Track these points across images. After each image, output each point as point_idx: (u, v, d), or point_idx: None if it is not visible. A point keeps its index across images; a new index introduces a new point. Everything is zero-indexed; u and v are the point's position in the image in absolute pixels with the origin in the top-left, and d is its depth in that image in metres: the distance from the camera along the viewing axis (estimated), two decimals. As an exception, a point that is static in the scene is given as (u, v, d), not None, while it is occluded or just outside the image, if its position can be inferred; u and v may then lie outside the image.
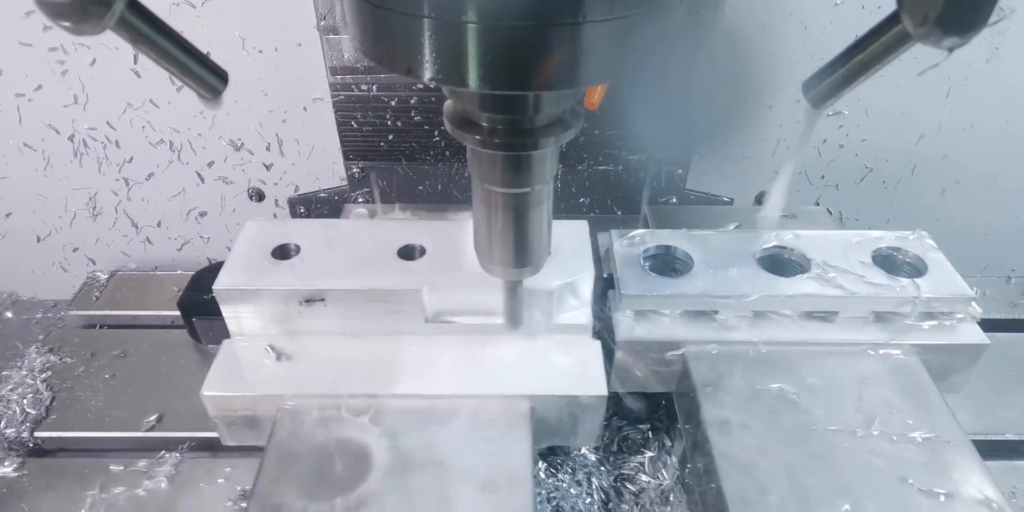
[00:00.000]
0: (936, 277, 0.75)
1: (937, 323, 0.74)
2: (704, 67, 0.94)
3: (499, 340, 0.76)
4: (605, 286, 0.79)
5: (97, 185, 1.14)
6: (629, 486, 0.75)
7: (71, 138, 1.08)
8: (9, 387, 0.87)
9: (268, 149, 1.10)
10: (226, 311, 0.74)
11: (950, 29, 0.35)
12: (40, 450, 0.83)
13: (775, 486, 0.61)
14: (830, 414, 0.67)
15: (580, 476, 0.75)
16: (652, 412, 0.81)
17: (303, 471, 0.65)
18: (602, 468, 0.76)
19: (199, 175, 1.13)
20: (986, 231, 1.21)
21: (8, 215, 1.17)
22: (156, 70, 0.49)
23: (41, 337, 0.98)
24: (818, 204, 1.19)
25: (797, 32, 0.98)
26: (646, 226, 1.01)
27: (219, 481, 0.77)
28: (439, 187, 1.04)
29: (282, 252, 0.77)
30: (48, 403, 0.85)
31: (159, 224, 1.19)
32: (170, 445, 0.81)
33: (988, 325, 0.75)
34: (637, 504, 0.73)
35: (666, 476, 0.74)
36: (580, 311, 0.76)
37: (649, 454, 0.77)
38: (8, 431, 0.82)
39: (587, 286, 0.75)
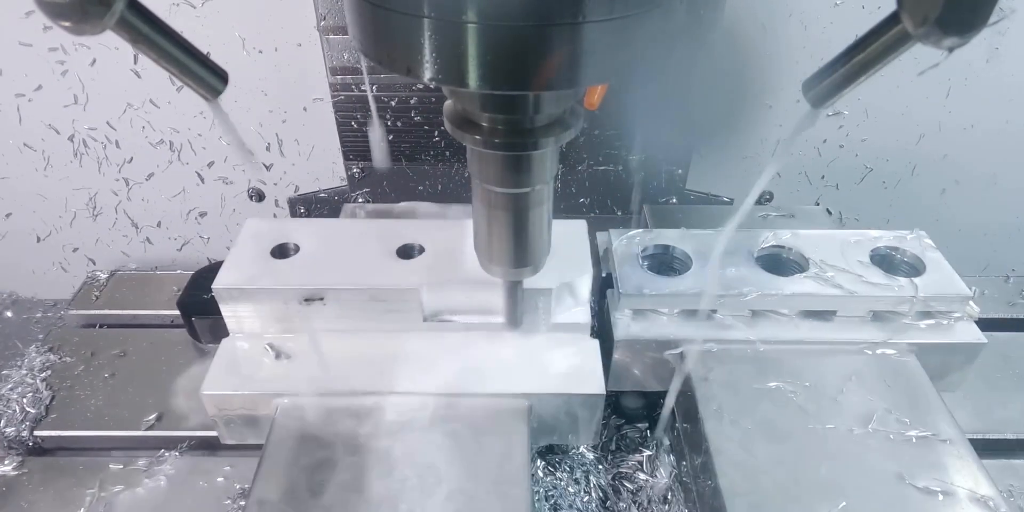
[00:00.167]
0: (934, 276, 0.75)
1: (935, 322, 0.75)
2: (704, 67, 0.94)
3: (497, 339, 0.76)
4: (603, 285, 0.79)
5: (97, 185, 1.14)
6: (627, 484, 0.75)
7: (71, 138, 1.08)
8: (9, 386, 0.87)
9: (268, 149, 1.10)
10: (225, 310, 0.75)
11: (950, 29, 0.35)
12: (40, 449, 0.83)
13: (772, 484, 0.61)
14: (827, 412, 0.68)
15: (578, 474, 0.75)
16: (650, 410, 0.81)
17: (301, 470, 0.65)
18: (600, 466, 0.76)
19: (199, 175, 1.13)
20: (986, 231, 1.21)
21: (8, 215, 1.17)
22: (156, 70, 0.49)
23: (41, 336, 0.98)
24: (818, 204, 1.19)
25: (797, 32, 0.98)
26: (644, 226, 1.01)
27: (218, 480, 0.77)
28: (439, 187, 1.04)
29: (281, 251, 0.77)
30: (48, 402, 0.85)
31: (159, 224, 1.19)
32: (169, 444, 0.81)
33: (986, 324, 0.76)
34: (635, 502, 0.73)
35: (664, 474, 0.74)
36: (578, 310, 0.76)
37: (647, 452, 0.77)
38: (8, 430, 0.82)
39: (586, 285, 0.75)
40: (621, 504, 0.73)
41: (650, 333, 0.74)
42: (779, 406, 0.68)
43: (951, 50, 0.37)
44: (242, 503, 0.73)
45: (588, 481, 0.74)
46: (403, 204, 1.03)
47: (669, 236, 0.81)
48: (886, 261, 0.79)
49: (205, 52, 0.45)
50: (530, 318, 0.75)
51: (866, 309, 0.75)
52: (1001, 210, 1.19)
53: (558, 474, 0.75)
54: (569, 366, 0.73)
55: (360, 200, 1.06)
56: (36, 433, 0.82)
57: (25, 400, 0.85)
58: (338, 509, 0.62)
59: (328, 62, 0.92)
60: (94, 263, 1.23)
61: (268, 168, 1.12)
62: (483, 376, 0.72)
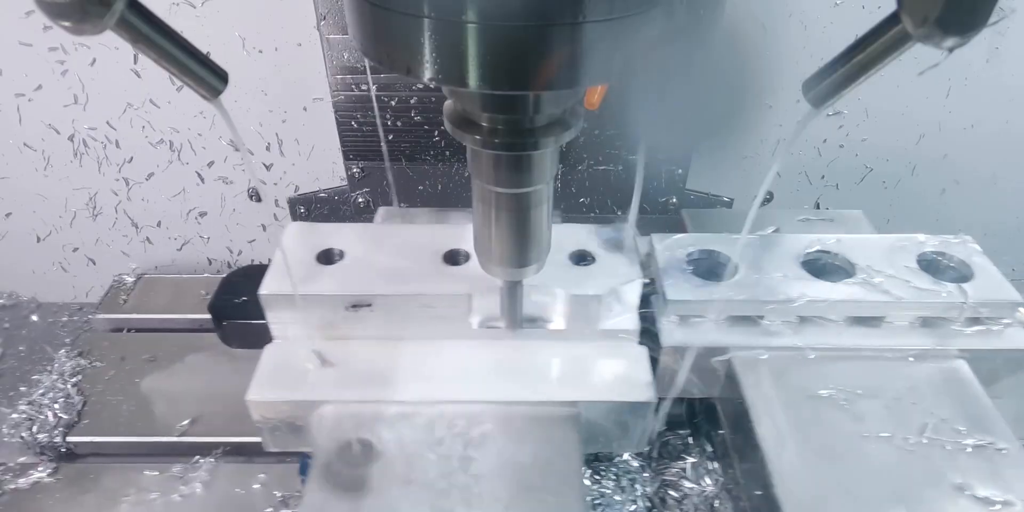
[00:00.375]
0: (983, 282, 0.74)
1: (984, 328, 0.74)
2: (704, 67, 0.94)
3: (545, 346, 0.75)
4: (646, 290, 0.78)
5: (97, 185, 1.14)
6: (672, 493, 0.74)
7: (71, 138, 1.08)
8: (40, 391, 0.87)
9: (268, 149, 1.10)
10: (270, 316, 0.74)
11: (950, 29, 0.35)
12: (72, 455, 0.83)
13: (829, 493, 0.60)
14: (880, 421, 0.66)
15: (624, 482, 0.74)
16: (691, 418, 0.81)
17: (350, 478, 0.64)
18: (645, 474, 0.75)
19: (199, 175, 1.13)
20: (986, 231, 1.21)
21: (8, 215, 1.17)
22: (156, 70, 0.49)
23: (68, 341, 0.98)
24: (818, 205, 1.19)
25: (797, 32, 0.98)
26: (677, 230, 1.00)
27: (255, 487, 0.76)
28: (439, 187, 1.04)
29: (327, 257, 0.76)
30: (80, 407, 0.85)
31: (159, 224, 1.19)
32: (204, 450, 0.80)
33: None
34: (681, 510, 0.73)
35: (709, 482, 0.74)
36: (626, 316, 0.75)
37: (691, 460, 0.76)
38: (40, 436, 0.81)
39: (634, 292, 0.74)
40: None
41: (697, 340, 0.73)
42: (832, 414, 0.67)
43: (951, 50, 0.37)
44: (284, 511, 0.73)
45: (635, 489, 0.74)
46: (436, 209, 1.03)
47: (713, 240, 0.80)
48: (933, 266, 0.78)
49: (205, 52, 0.45)
50: (577, 325, 0.74)
51: (915, 315, 0.74)
52: (1001, 210, 1.19)
53: (604, 482, 0.74)
54: (617, 373, 0.72)
55: (360, 200, 1.05)
56: (69, 439, 0.81)
57: (57, 405, 0.85)
58: None
59: (328, 62, 0.92)
60: (94, 263, 1.23)
61: (268, 168, 1.12)
62: (531, 384, 0.72)
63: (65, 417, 0.83)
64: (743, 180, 1.14)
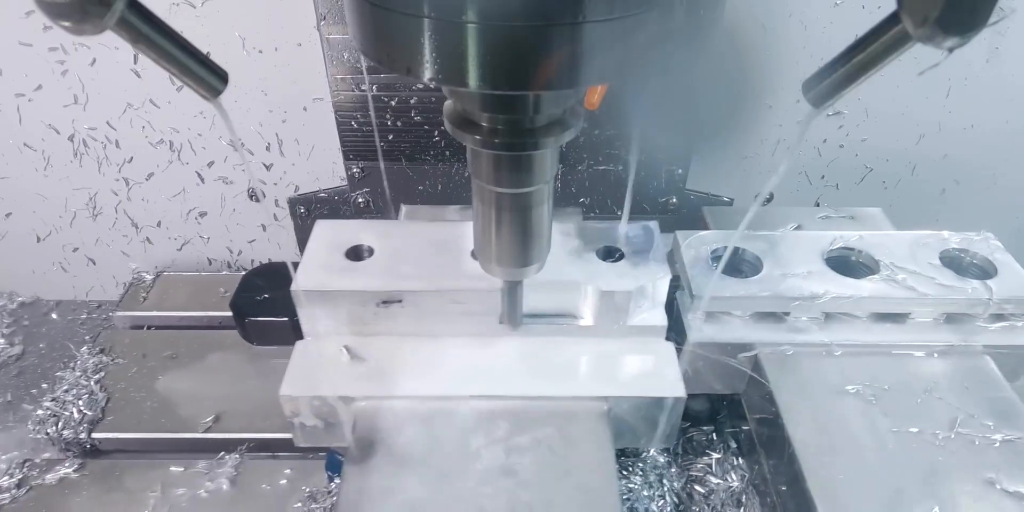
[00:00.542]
0: (1006, 278, 0.75)
1: (1008, 324, 0.74)
2: (704, 67, 0.94)
3: (573, 342, 0.76)
4: (670, 287, 0.79)
5: (97, 185, 1.14)
6: (698, 488, 0.75)
7: (71, 138, 1.08)
8: (64, 388, 0.87)
9: (268, 149, 1.10)
10: (302, 312, 0.74)
11: (950, 29, 0.35)
12: (96, 451, 0.83)
13: (861, 488, 0.61)
14: (908, 416, 0.67)
15: (651, 478, 0.75)
16: (714, 414, 0.82)
17: (383, 473, 0.65)
18: (672, 469, 0.76)
19: (199, 175, 1.13)
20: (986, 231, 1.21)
21: (8, 215, 1.17)
22: (156, 70, 0.49)
23: (88, 338, 0.98)
24: (818, 204, 1.19)
25: (797, 32, 0.98)
26: (703, 228, 1.00)
27: (282, 482, 0.76)
28: (439, 187, 1.04)
29: (355, 253, 0.77)
30: (103, 404, 0.85)
31: (159, 224, 1.19)
32: (228, 446, 0.80)
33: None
34: (708, 505, 0.73)
35: (735, 478, 0.74)
36: (654, 312, 0.76)
37: (716, 455, 0.77)
38: (65, 432, 0.82)
39: (662, 288, 0.75)
40: (694, 508, 0.73)
41: (724, 336, 0.74)
42: (860, 409, 0.68)
43: (951, 50, 0.37)
44: (313, 505, 0.73)
45: (662, 484, 0.74)
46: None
47: (737, 238, 0.80)
48: (956, 263, 0.78)
49: (205, 52, 0.45)
50: (607, 321, 0.75)
51: (940, 312, 0.74)
52: (1001, 210, 1.19)
53: (632, 478, 0.75)
54: (646, 369, 0.73)
55: (360, 200, 1.05)
56: (94, 435, 0.82)
57: (81, 402, 0.85)
58: (420, 510, 0.62)
59: (328, 62, 0.92)
60: (94, 263, 1.23)
61: (268, 168, 1.12)
62: (561, 379, 0.72)
63: (89, 413, 0.84)
64: (743, 180, 1.14)
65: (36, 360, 1.03)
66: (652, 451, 0.77)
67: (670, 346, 0.75)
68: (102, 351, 0.92)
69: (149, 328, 0.98)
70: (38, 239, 1.20)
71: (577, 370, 0.73)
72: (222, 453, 0.80)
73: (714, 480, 0.75)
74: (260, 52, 0.99)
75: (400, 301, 0.73)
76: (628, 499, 0.73)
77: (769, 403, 0.69)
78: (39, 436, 0.83)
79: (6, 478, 0.78)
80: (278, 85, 1.02)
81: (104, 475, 0.78)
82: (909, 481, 0.62)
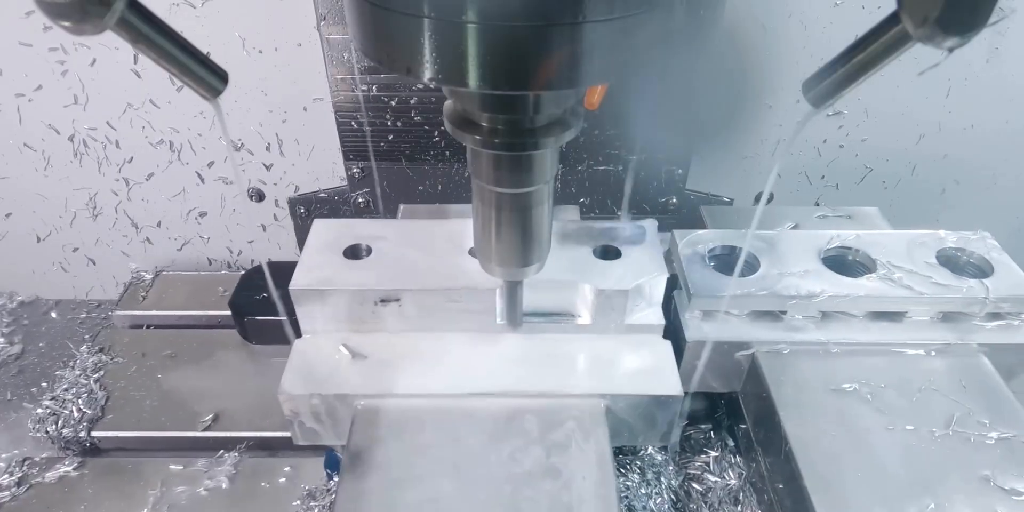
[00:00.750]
0: (1003, 277, 0.75)
1: (1004, 323, 0.75)
2: (704, 67, 0.94)
3: (572, 340, 0.76)
4: (668, 286, 0.79)
5: (97, 185, 1.14)
6: (696, 486, 0.75)
7: (71, 138, 1.08)
8: (64, 387, 0.87)
9: (268, 149, 1.10)
10: (300, 311, 0.74)
11: (950, 29, 0.35)
12: (96, 449, 0.83)
13: (857, 486, 0.61)
14: (905, 414, 0.67)
15: (649, 476, 0.75)
16: (712, 412, 0.82)
17: (383, 471, 0.65)
18: (670, 467, 0.76)
19: (199, 175, 1.13)
20: (986, 231, 1.21)
21: (8, 215, 1.17)
22: (156, 70, 0.49)
23: (88, 337, 0.98)
24: (818, 204, 1.19)
25: (797, 32, 0.98)
26: (701, 227, 1.00)
27: (281, 480, 0.77)
28: (439, 187, 1.04)
29: (354, 252, 0.77)
30: (103, 403, 0.86)
31: (159, 224, 1.19)
32: (227, 445, 0.81)
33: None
34: (705, 503, 0.73)
35: (732, 475, 0.74)
36: (651, 311, 0.76)
37: (713, 454, 0.77)
38: (65, 431, 0.82)
39: (659, 287, 0.75)
40: (692, 505, 0.74)
41: (721, 334, 0.74)
42: (856, 407, 0.68)
43: (951, 50, 0.37)
44: (312, 503, 0.73)
45: (660, 482, 0.74)
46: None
47: (734, 236, 0.81)
48: (952, 262, 0.79)
49: (205, 52, 0.45)
50: (603, 319, 0.75)
51: (936, 310, 0.75)
52: (1001, 210, 1.19)
53: (630, 476, 0.75)
54: (644, 367, 0.73)
55: (360, 200, 1.05)
56: (93, 434, 0.82)
57: (80, 401, 0.85)
58: (421, 509, 0.62)
59: (328, 62, 0.92)
60: (94, 263, 1.23)
61: (268, 168, 1.12)
62: (559, 376, 0.72)
63: (89, 412, 0.84)
64: (743, 180, 1.14)
65: (36, 359, 1.03)
66: (650, 449, 0.77)
67: (667, 344, 0.75)
68: (101, 350, 0.92)
69: (148, 327, 0.98)
70: (38, 239, 1.20)
71: (575, 368, 0.73)
72: (221, 451, 0.80)
73: (712, 478, 0.75)
74: (260, 52, 0.99)
75: (398, 300, 0.73)
76: (626, 497, 0.73)
77: (766, 401, 0.70)
78: (39, 434, 0.83)
79: (6, 476, 0.78)
80: (278, 85, 1.02)
81: (103, 473, 0.79)
82: (905, 478, 0.62)
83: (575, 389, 0.71)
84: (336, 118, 0.96)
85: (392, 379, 0.72)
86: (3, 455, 0.83)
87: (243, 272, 0.94)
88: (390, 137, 0.98)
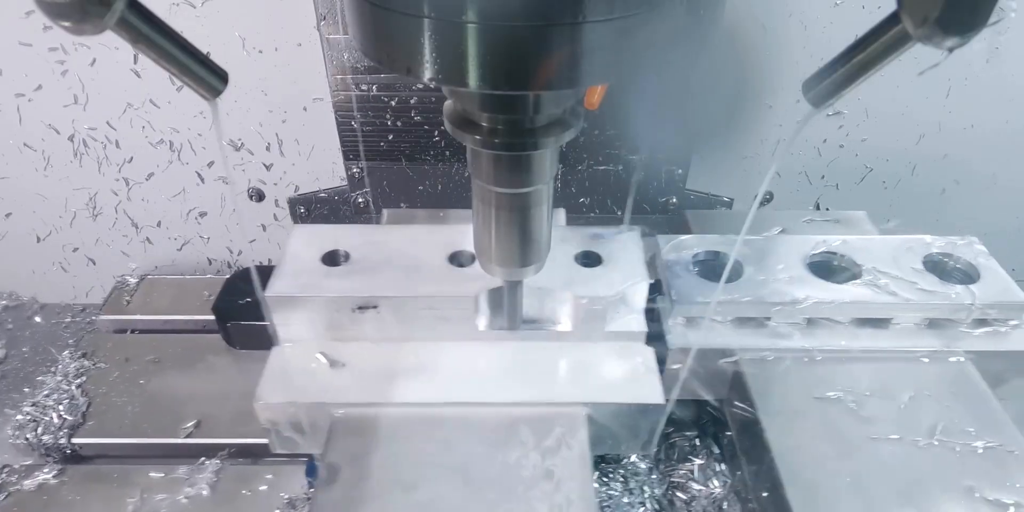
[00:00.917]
0: (989, 283, 0.74)
1: (991, 330, 0.74)
2: (704, 67, 0.94)
3: (551, 347, 0.75)
4: (652, 292, 0.78)
5: (97, 185, 1.14)
6: (680, 494, 0.74)
7: (71, 138, 1.08)
8: (45, 393, 0.86)
9: (268, 149, 1.10)
10: (277, 318, 0.74)
11: (950, 29, 0.35)
12: (77, 456, 0.82)
13: (840, 495, 0.60)
14: (889, 422, 0.66)
15: (632, 484, 0.74)
16: (697, 419, 0.81)
17: (359, 480, 0.64)
18: (653, 476, 0.75)
19: (199, 175, 1.13)
20: (986, 231, 1.21)
21: (8, 215, 1.17)
22: (156, 70, 0.49)
23: (72, 341, 0.97)
24: (818, 205, 1.19)
25: (797, 32, 0.98)
26: (686, 231, 1.00)
27: (262, 488, 0.76)
28: (439, 187, 1.04)
29: (332, 259, 0.77)
30: (84, 409, 0.84)
31: (159, 224, 1.19)
32: (209, 452, 0.80)
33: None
34: (689, 511, 0.73)
35: (717, 484, 0.74)
36: (633, 318, 0.75)
37: (698, 461, 0.76)
38: (45, 437, 0.81)
39: (641, 294, 0.74)
40: None
41: (705, 341, 0.73)
42: (840, 416, 0.67)
43: (951, 50, 0.37)
44: (291, 511, 0.73)
45: (643, 491, 0.74)
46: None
47: (718, 242, 0.80)
48: (939, 268, 0.77)
49: (205, 52, 0.45)
50: (585, 326, 0.74)
51: (922, 317, 0.74)
52: (1001, 210, 1.19)
53: (612, 484, 0.74)
54: (625, 375, 0.72)
55: (360, 200, 1.05)
56: (74, 440, 0.81)
57: (62, 407, 0.84)
58: None
59: (328, 62, 0.92)
60: (94, 263, 1.23)
61: (268, 168, 1.12)
62: (539, 384, 0.72)
63: (70, 419, 0.83)
64: (743, 180, 1.14)
65: (19, 364, 1.01)
66: (633, 457, 0.76)
67: (650, 351, 0.74)
68: (84, 355, 0.91)
69: (133, 332, 0.97)
70: (38, 239, 1.20)
71: (556, 376, 0.73)
72: (203, 458, 0.79)
73: (696, 486, 0.75)
74: (260, 52, 0.99)
75: (376, 307, 0.73)
76: (608, 506, 0.72)
77: (749, 409, 0.69)
78: (19, 441, 0.82)
79: (-16, 484, 0.77)
80: (278, 85, 1.02)
81: (83, 481, 0.77)
82: (889, 488, 0.61)
83: (556, 398, 0.70)
84: (336, 118, 0.96)
85: (370, 388, 0.71)
86: (-18, 463, 0.82)
87: (226, 277, 0.94)
88: (390, 137, 0.98)
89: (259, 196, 1.15)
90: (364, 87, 0.93)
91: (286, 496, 0.75)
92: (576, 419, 0.69)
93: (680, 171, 1.03)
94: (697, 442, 0.79)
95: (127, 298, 1.01)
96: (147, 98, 1.04)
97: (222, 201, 1.16)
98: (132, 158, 1.11)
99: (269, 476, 0.77)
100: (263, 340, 0.75)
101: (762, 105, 1.07)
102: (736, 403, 0.72)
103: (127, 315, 0.99)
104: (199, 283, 1.03)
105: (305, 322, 0.74)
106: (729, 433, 0.75)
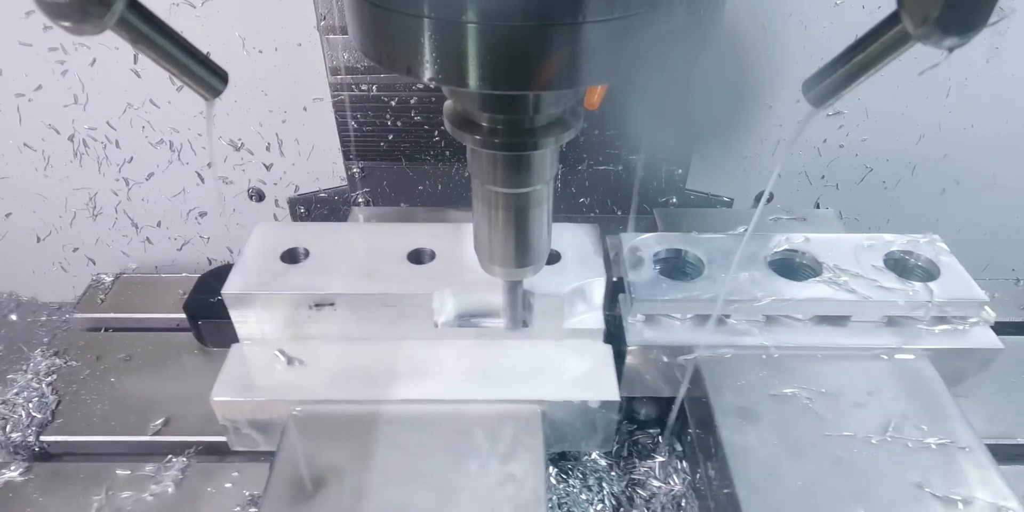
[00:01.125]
0: (949, 281, 0.74)
1: (950, 327, 0.74)
2: (704, 67, 0.94)
3: (509, 345, 0.75)
4: (615, 290, 0.79)
5: (97, 185, 1.14)
6: (640, 491, 0.74)
7: (71, 138, 1.08)
8: (15, 391, 0.86)
9: (268, 149, 1.10)
10: (235, 315, 0.74)
11: (950, 29, 0.35)
12: (46, 454, 0.82)
13: (790, 492, 0.61)
14: (844, 419, 0.67)
15: (591, 481, 0.74)
16: (661, 416, 0.81)
17: (312, 478, 0.65)
18: (612, 473, 0.75)
19: (199, 175, 1.13)
20: (986, 231, 1.21)
21: (8, 215, 1.17)
22: (156, 70, 0.49)
23: (46, 340, 0.97)
24: (818, 205, 1.19)
25: (797, 32, 0.98)
26: (653, 229, 1.01)
27: (227, 486, 0.76)
28: (439, 187, 1.04)
29: (291, 256, 0.77)
30: (54, 407, 0.85)
31: (159, 224, 1.19)
32: (177, 449, 0.80)
33: (998, 328, 0.75)
34: (648, 509, 0.73)
35: (677, 481, 0.74)
36: (591, 315, 0.75)
37: (660, 459, 0.76)
38: (14, 435, 0.81)
39: (598, 291, 0.75)
40: (634, 511, 0.73)
41: (663, 338, 0.73)
42: (795, 413, 0.67)
43: (951, 50, 0.37)
44: (252, 510, 0.73)
45: (601, 488, 0.74)
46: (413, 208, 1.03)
47: (680, 240, 0.80)
48: (900, 265, 0.78)
49: (205, 52, 0.45)
50: (542, 324, 0.74)
51: (881, 314, 0.74)
52: (1001, 210, 1.19)
53: (571, 481, 0.74)
54: (582, 372, 0.72)
55: (360, 200, 1.05)
56: (42, 438, 0.81)
57: (31, 405, 0.84)
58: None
59: (328, 62, 0.92)
60: (94, 263, 1.23)
61: (268, 168, 1.12)
62: (496, 382, 0.72)
63: (39, 416, 0.83)
64: (743, 180, 1.14)
65: (-7, 362, 1.01)
66: (594, 454, 0.76)
67: (607, 348, 0.74)
68: (56, 353, 0.91)
69: (106, 330, 0.97)
70: (38, 239, 1.20)
71: (512, 373, 0.73)
72: (170, 456, 0.79)
73: (656, 483, 0.74)
74: (260, 52, 0.99)
75: (332, 304, 0.73)
76: (564, 503, 0.72)
77: (705, 406, 0.69)
78: None
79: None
80: (278, 85, 1.02)
81: (50, 479, 0.77)
82: (839, 485, 0.61)
83: (512, 395, 0.70)
84: (336, 118, 0.97)
85: (327, 385, 0.71)
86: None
87: (198, 275, 0.94)
88: (390, 137, 0.98)
89: (259, 196, 1.15)
90: (364, 87, 0.93)
91: (249, 493, 0.75)
92: (532, 416, 0.69)
93: (680, 171, 1.03)
94: (660, 439, 0.79)
95: (101, 296, 1.01)
96: (147, 98, 1.04)
97: (222, 201, 1.16)
98: (132, 158, 1.11)
99: (235, 473, 0.77)
100: (234, 338, 0.76)
101: (762, 105, 1.07)
102: (695, 400, 0.73)
103: (101, 313, 0.99)
104: (174, 281, 1.03)
105: (263, 319, 0.74)
106: (691, 430, 0.75)
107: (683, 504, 0.73)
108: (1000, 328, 0.75)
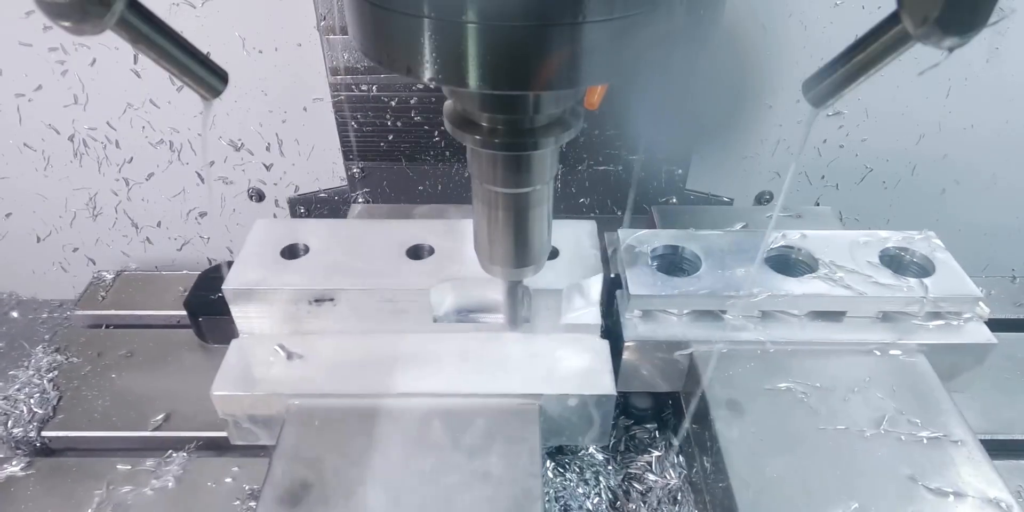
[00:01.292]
0: (944, 277, 0.75)
1: (944, 323, 0.74)
2: (704, 67, 0.94)
3: (507, 339, 0.76)
4: (612, 286, 0.79)
5: (97, 185, 1.14)
6: (636, 485, 0.75)
7: (71, 138, 1.08)
8: (16, 387, 0.87)
9: (268, 149, 1.10)
10: (235, 311, 0.75)
11: (950, 29, 0.35)
12: (47, 450, 0.83)
13: (784, 485, 0.61)
14: (838, 414, 0.67)
15: (588, 475, 0.75)
16: (659, 411, 0.81)
17: (312, 471, 0.65)
18: (609, 467, 0.76)
19: (199, 175, 1.13)
20: (986, 231, 1.21)
21: (8, 215, 1.17)
22: (156, 70, 0.49)
23: (47, 337, 0.98)
24: (818, 204, 1.19)
25: (797, 32, 0.98)
26: (651, 226, 1.01)
27: (227, 480, 0.76)
28: (439, 187, 1.04)
29: (291, 252, 0.77)
30: (55, 403, 0.85)
31: (159, 224, 1.19)
32: (177, 445, 0.80)
33: (993, 325, 0.75)
34: (644, 503, 0.73)
35: (673, 475, 0.74)
36: (588, 311, 0.76)
37: (656, 453, 0.77)
38: (15, 431, 0.82)
39: (596, 286, 0.75)
40: (631, 505, 0.73)
41: (660, 334, 0.74)
42: (790, 407, 0.68)
43: (951, 50, 0.37)
44: (251, 504, 0.73)
45: (598, 482, 0.74)
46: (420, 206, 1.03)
47: (678, 236, 0.81)
48: (895, 262, 0.78)
49: (205, 52, 0.45)
50: (540, 319, 0.75)
51: (876, 310, 0.74)
52: (1001, 210, 1.19)
53: (568, 475, 0.74)
54: (579, 367, 0.73)
55: (360, 200, 1.06)
56: (44, 434, 0.82)
57: (32, 401, 0.85)
58: (347, 508, 0.62)
59: (328, 62, 0.92)
60: (94, 263, 1.23)
61: (268, 168, 1.12)
62: (493, 377, 0.72)
63: (40, 412, 0.84)
64: (743, 180, 1.14)
65: (-7, 359, 1.02)
66: (591, 448, 0.77)
67: (604, 344, 0.75)
68: (57, 350, 0.92)
69: (107, 327, 0.98)
70: (38, 239, 1.21)
71: (511, 368, 0.73)
72: (170, 451, 0.79)
73: (652, 477, 0.75)
74: (260, 52, 0.99)
75: (332, 299, 0.73)
76: (561, 497, 0.73)
77: (701, 401, 0.70)
78: None
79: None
80: (278, 85, 1.02)
81: (51, 474, 0.78)
82: (832, 478, 0.62)
83: (509, 389, 0.71)
84: (336, 118, 0.97)
85: (326, 379, 0.72)
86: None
87: (198, 272, 0.94)
88: (390, 137, 0.98)
89: (259, 196, 1.15)
90: (364, 87, 0.93)
91: (249, 487, 0.75)
92: (529, 410, 0.70)
93: (680, 171, 1.03)
94: (657, 434, 0.79)
95: (102, 293, 1.02)
96: (147, 98, 1.04)
97: (222, 201, 1.16)
98: (132, 158, 1.11)
99: (235, 469, 0.77)
100: (234, 334, 0.76)
101: (762, 105, 1.07)
102: (691, 395, 0.73)
103: (102, 310, 1.00)
104: (174, 278, 1.03)
105: (263, 315, 0.75)
106: (686, 425, 0.75)
107: (679, 498, 0.73)
108: (995, 325, 0.76)
